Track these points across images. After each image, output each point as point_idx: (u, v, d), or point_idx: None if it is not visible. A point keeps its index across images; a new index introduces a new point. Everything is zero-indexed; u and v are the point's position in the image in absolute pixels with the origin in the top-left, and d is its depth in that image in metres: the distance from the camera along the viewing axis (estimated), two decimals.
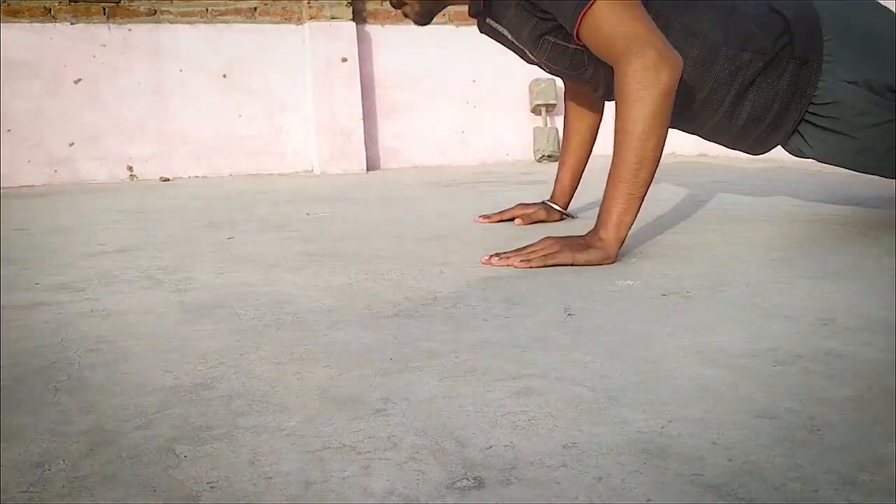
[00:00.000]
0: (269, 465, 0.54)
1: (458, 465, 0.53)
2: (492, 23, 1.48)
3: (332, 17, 3.66)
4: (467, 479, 0.51)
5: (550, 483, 0.50)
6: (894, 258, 1.17)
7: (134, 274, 1.27)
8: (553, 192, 1.76)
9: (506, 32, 1.46)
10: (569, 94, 1.73)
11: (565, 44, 1.36)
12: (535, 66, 1.52)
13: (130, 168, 3.59)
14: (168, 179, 3.56)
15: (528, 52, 1.46)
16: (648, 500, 0.47)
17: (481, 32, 1.55)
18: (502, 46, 1.54)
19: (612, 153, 1.20)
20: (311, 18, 3.67)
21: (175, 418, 0.63)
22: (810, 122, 1.38)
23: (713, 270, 1.14)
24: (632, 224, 1.21)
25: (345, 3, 3.64)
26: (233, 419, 0.62)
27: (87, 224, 1.97)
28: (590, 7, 1.21)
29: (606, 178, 1.21)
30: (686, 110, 1.40)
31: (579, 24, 1.24)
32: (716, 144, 1.55)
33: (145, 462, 0.55)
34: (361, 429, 0.60)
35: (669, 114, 1.19)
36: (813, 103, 1.35)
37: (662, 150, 1.19)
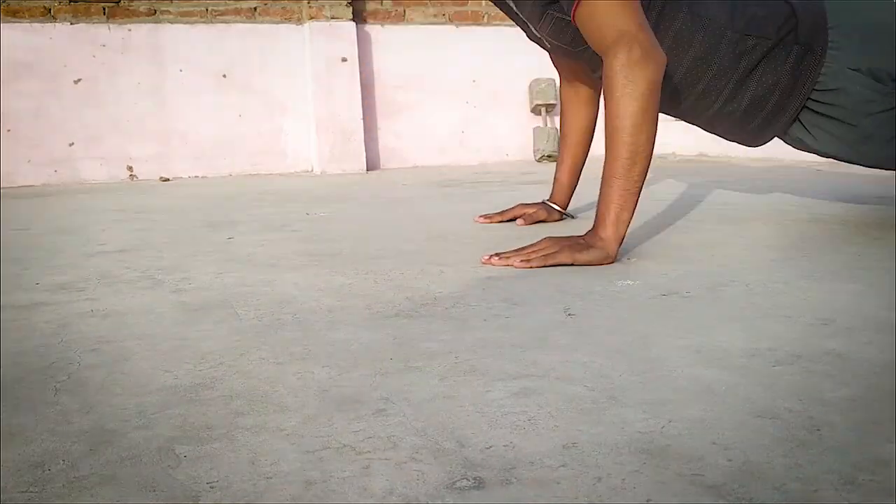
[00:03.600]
0: (269, 465, 0.54)
1: (458, 465, 0.53)
2: None
3: (332, 17, 3.66)
4: (467, 479, 0.51)
5: (550, 483, 0.50)
6: (894, 258, 1.17)
7: (134, 274, 1.27)
8: (552, 191, 1.76)
9: (512, 4, 1.47)
10: (564, 90, 1.72)
11: (568, 18, 1.37)
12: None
13: (130, 168, 3.59)
14: (168, 179, 3.56)
15: (531, 25, 1.47)
16: (648, 500, 0.47)
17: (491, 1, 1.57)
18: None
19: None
20: (311, 18, 3.67)
21: (175, 418, 0.63)
22: (812, 110, 1.38)
23: (713, 270, 1.14)
24: (630, 220, 1.21)
25: (345, 3, 3.64)
26: (233, 419, 0.62)
27: (87, 224, 1.97)
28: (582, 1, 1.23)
29: (601, 176, 1.22)
30: (689, 95, 1.40)
31: (576, 6, 1.26)
32: (715, 137, 1.55)
33: (145, 462, 0.55)
34: (361, 429, 0.60)
35: (657, 108, 1.20)
36: (815, 90, 1.35)
37: (653, 144, 1.20)
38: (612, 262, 1.20)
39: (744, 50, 1.35)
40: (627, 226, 1.21)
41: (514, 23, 1.55)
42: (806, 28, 1.34)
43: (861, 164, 1.45)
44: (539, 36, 1.49)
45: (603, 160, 1.22)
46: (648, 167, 1.20)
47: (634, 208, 1.21)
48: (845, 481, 0.48)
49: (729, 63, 1.36)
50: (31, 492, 0.51)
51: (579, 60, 1.51)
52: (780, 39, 1.34)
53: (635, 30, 1.20)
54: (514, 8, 1.47)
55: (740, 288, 1.02)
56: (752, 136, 1.47)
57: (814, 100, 1.37)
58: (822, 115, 1.37)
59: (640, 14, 1.23)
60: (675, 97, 1.42)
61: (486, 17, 3.85)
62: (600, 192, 1.21)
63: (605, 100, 1.21)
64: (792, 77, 1.35)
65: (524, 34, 1.58)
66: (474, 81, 3.81)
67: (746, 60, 1.35)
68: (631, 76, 1.17)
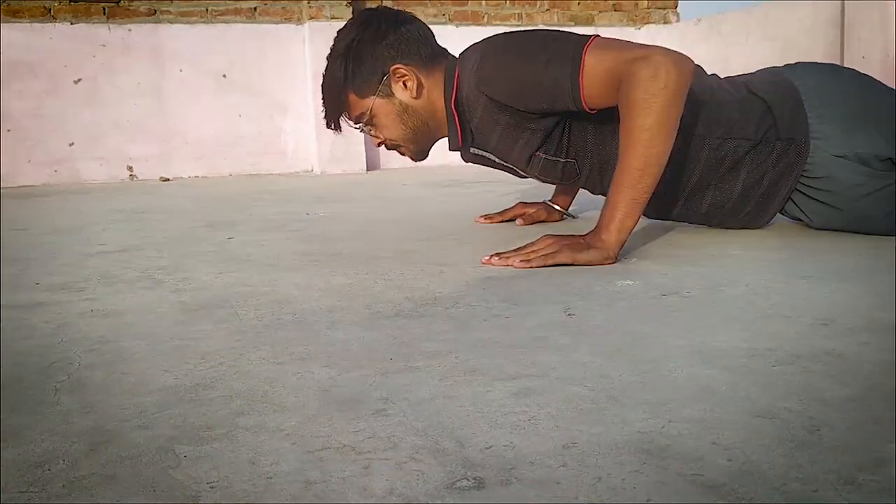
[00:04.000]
0: (269, 465, 0.54)
1: (458, 465, 0.53)
2: (476, 150, 1.50)
3: (332, 17, 3.66)
4: (467, 479, 0.51)
5: (550, 483, 0.50)
6: (894, 258, 1.17)
7: (134, 274, 1.27)
8: (554, 192, 1.76)
9: (492, 157, 1.48)
10: None
11: (556, 158, 1.39)
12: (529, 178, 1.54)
13: (130, 168, 3.59)
14: (168, 179, 3.56)
15: (518, 169, 1.48)
16: (648, 500, 0.47)
17: (466, 161, 1.58)
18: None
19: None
20: (311, 18, 3.67)
21: (175, 418, 0.63)
22: (804, 194, 1.37)
23: (713, 270, 1.14)
24: (633, 228, 1.21)
25: (345, 3, 3.64)
26: (233, 419, 0.62)
27: (87, 224, 1.97)
28: (583, 72, 1.22)
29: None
30: (678, 200, 1.41)
31: (583, 96, 1.24)
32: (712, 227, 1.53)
33: (145, 462, 0.55)
34: (361, 429, 0.60)
35: (677, 123, 1.18)
36: (804, 177, 1.35)
37: (667, 157, 1.19)
38: (612, 263, 1.20)
39: (727, 152, 1.35)
40: (630, 233, 1.21)
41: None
42: (784, 122, 1.33)
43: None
44: (526, 176, 1.51)
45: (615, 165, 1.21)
46: (658, 179, 1.19)
47: (639, 217, 1.21)
48: (845, 481, 0.48)
49: (713, 165, 1.36)
50: (31, 492, 0.51)
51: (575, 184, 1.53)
52: (761, 138, 1.34)
53: (642, 51, 1.19)
54: (498, 160, 1.48)
55: (740, 288, 1.02)
56: (748, 222, 1.45)
57: (804, 184, 1.36)
58: (814, 199, 1.37)
59: (635, 43, 1.25)
60: (665, 205, 1.42)
61: (486, 17, 3.85)
62: (607, 197, 1.21)
63: (622, 111, 1.19)
64: (779, 168, 1.35)
65: (512, 177, 1.60)
66: None
67: (731, 160, 1.36)
68: (652, 89, 1.15)
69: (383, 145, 1.51)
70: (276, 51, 3.70)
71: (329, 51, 1.46)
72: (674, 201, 1.41)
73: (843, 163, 1.30)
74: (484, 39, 1.41)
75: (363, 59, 1.41)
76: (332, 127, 1.48)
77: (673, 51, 1.20)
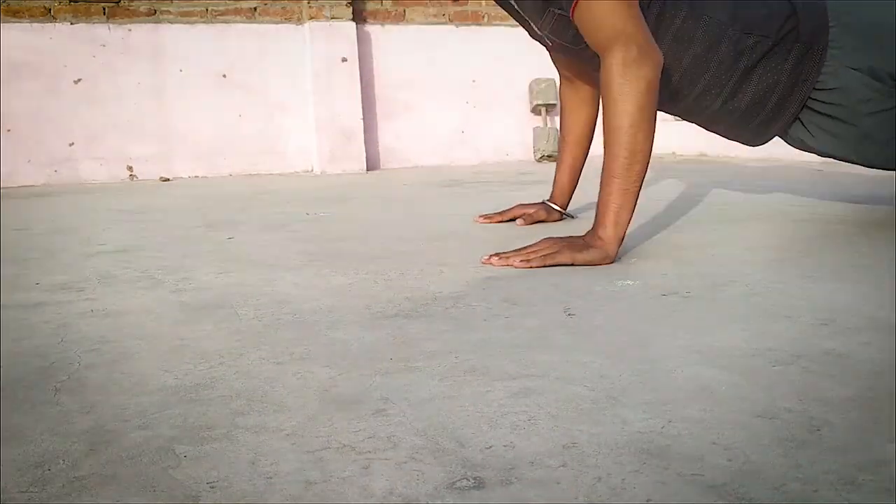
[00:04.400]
0: (269, 465, 0.54)
1: (458, 465, 0.53)
2: None
3: (332, 17, 3.66)
4: (467, 479, 0.51)
5: (550, 483, 0.50)
6: (894, 258, 1.17)
7: (134, 274, 1.27)
8: (552, 191, 1.76)
9: (514, 3, 1.47)
10: (564, 90, 1.72)
11: (569, 16, 1.37)
12: (539, 45, 1.53)
13: (130, 168, 3.59)
14: (168, 179, 3.56)
15: (533, 23, 1.47)
16: (648, 500, 0.47)
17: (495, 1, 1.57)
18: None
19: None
20: (311, 18, 3.67)
21: (175, 418, 0.63)
22: (812, 109, 1.38)
23: (713, 270, 1.14)
24: (629, 220, 1.21)
25: (345, 3, 3.64)
26: (233, 419, 0.62)
27: (87, 224, 1.97)
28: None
29: (600, 176, 1.22)
30: (689, 94, 1.40)
31: (575, 4, 1.26)
32: (715, 137, 1.55)
33: (145, 462, 0.55)
34: (361, 429, 0.60)
35: (655, 107, 1.20)
36: (815, 89, 1.35)
37: (652, 143, 1.20)
38: (612, 263, 1.20)
39: (744, 48, 1.35)
40: (627, 225, 1.21)
41: (516, 22, 1.55)
42: (807, 27, 1.34)
43: (860, 164, 1.45)
44: (541, 34, 1.49)
45: (602, 159, 1.22)
46: (647, 166, 1.20)
47: (634, 208, 1.21)
48: (845, 481, 0.48)
49: (730, 61, 1.36)
50: (31, 492, 0.51)
51: (580, 59, 1.51)
52: (781, 38, 1.34)
53: (632, 29, 1.20)
54: (516, 6, 1.47)
55: (740, 288, 1.02)
56: (753, 135, 1.47)
57: (814, 99, 1.37)
58: (822, 114, 1.37)
59: (637, 13, 1.23)
60: (675, 96, 1.42)
61: (486, 17, 3.85)
62: (599, 193, 1.21)
63: (602, 99, 1.21)
64: (792, 76, 1.35)
65: (526, 33, 1.58)
66: (474, 81, 3.81)
67: (747, 59, 1.35)
68: (628, 75, 1.17)
69: None
70: (276, 51, 3.70)
71: None
72: (685, 94, 1.40)
73: (856, 75, 1.32)
74: None
75: None
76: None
77: (647, 37, 1.21)
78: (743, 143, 1.53)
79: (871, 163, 1.41)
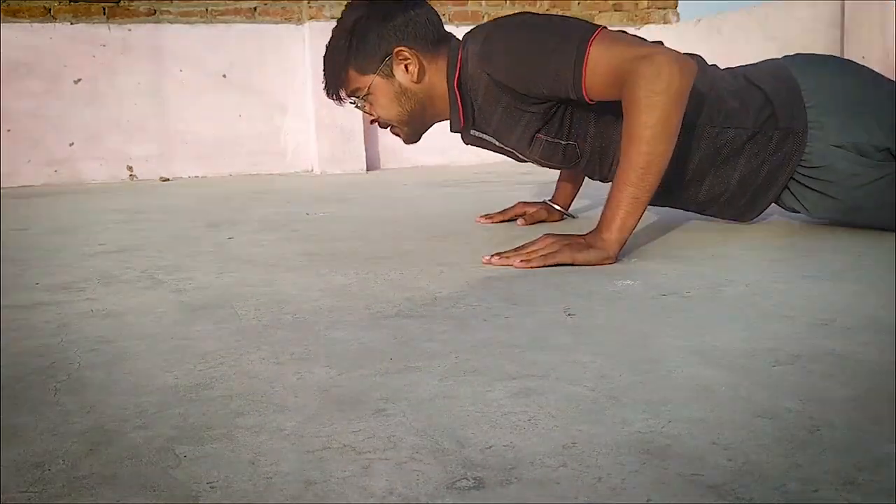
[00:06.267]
0: (269, 465, 0.54)
1: (458, 465, 0.53)
2: (476, 133, 1.49)
3: (332, 17, 3.65)
4: (467, 479, 0.51)
5: (550, 483, 0.50)
6: (894, 258, 1.17)
7: (134, 274, 1.27)
8: (554, 192, 1.76)
9: (492, 140, 1.47)
10: None
11: (557, 140, 1.38)
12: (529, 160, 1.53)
13: (130, 168, 3.59)
14: (168, 179, 3.56)
15: (518, 153, 1.47)
16: (648, 500, 0.47)
17: (466, 144, 1.58)
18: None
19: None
20: (311, 18, 3.67)
21: (175, 418, 0.63)
22: (801, 183, 1.38)
23: (713, 270, 1.14)
24: (634, 227, 1.20)
25: (345, 3, 3.64)
26: (233, 419, 0.62)
27: (87, 224, 1.97)
28: (587, 64, 1.21)
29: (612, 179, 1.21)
30: (676, 187, 1.41)
31: (585, 88, 1.24)
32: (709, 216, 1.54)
33: (145, 462, 0.55)
34: (361, 429, 0.59)
35: (680, 120, 1.18)
36: (802, 166, 1.35)
37: (670, 156, 1.18)
38: (612, 263, 1.20)
39: (724, 141, 1.36)
40: (631, 232, 1.21)
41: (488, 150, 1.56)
42: (783, 112, 1.34)
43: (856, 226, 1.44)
44: (530, 160, 1.50)
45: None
46: (661, 178, 1.19)
47: (641, 216, 1.20)
48: (845, 481, 0.48)
49: (712, 154, 1.37)
50: (31, 492, 0.51)
51: (574, 170, 1.52)
52: (760, 126, 1.35)
53: (647, 50, 1.19)
54: (497, 143, 1.47)
55: (740, 288, 1.02)
56: (743, 212, 1.46)
57: (801, 174, 1.37)
58: (811, 188, 1.37)
59: (641, 40, 1.24)
60: (661, 192, 1.41)
61: (485, 17, 3.85)
62: (609, 196, 1.21)
63: (626, 109, 1.19)
64: (777, 157, 1.36)
65: (512, 160, 1.59)
66: None
67: (729, 149, 1.36)
68: (656, 87, 1.15)
69: (376, 123, 1.51)
70: (276, 51, 3.70)
71: (336, 23, 1.47)
72: (671, 189, 1.40)
73: (841, 153, 1.31)
74: (492, 20, 1.42)
75: (368, 37, 1.41)
76: (333, 97, 1.49)
77: (675, 50, 1.20)
78: (734, 220, 1.51)
79: (866, 225, 1.40)
